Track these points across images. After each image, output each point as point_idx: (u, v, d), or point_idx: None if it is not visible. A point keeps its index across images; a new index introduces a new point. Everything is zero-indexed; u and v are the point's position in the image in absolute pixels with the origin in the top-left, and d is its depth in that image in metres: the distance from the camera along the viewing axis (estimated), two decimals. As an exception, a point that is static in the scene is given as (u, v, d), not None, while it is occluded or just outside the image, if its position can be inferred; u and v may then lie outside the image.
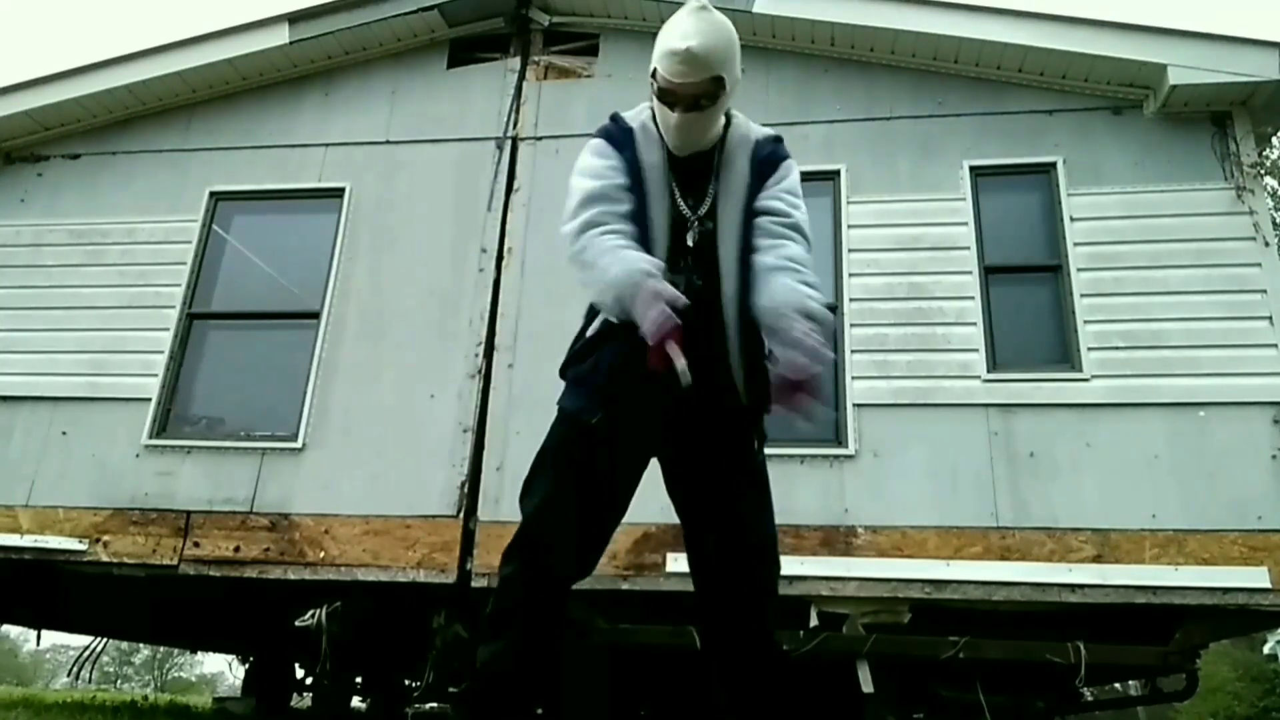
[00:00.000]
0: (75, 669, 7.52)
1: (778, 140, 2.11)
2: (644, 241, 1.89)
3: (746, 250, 1.92)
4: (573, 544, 1.94)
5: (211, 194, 5.93)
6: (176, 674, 43.25)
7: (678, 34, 1.88)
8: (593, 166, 1.98)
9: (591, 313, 1.99)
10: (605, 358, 1.91)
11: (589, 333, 1.98)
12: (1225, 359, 4.58)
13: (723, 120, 2.03)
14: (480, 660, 1.94)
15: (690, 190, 1.98)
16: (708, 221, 1.95)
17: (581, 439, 1.93)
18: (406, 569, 4.78)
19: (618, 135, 2.02)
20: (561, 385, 2.07)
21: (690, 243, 1.93)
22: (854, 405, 4.79)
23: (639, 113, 2.07)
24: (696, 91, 1.90)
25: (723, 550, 1.97)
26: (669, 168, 1.98)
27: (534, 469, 2.01)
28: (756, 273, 1.89)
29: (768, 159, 2.03)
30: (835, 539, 4.55)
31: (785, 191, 2.00)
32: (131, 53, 6.19)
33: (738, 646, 1.98)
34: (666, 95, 1.93)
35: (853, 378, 4.84)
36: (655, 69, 1.94)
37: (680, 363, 1.65)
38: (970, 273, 4.96)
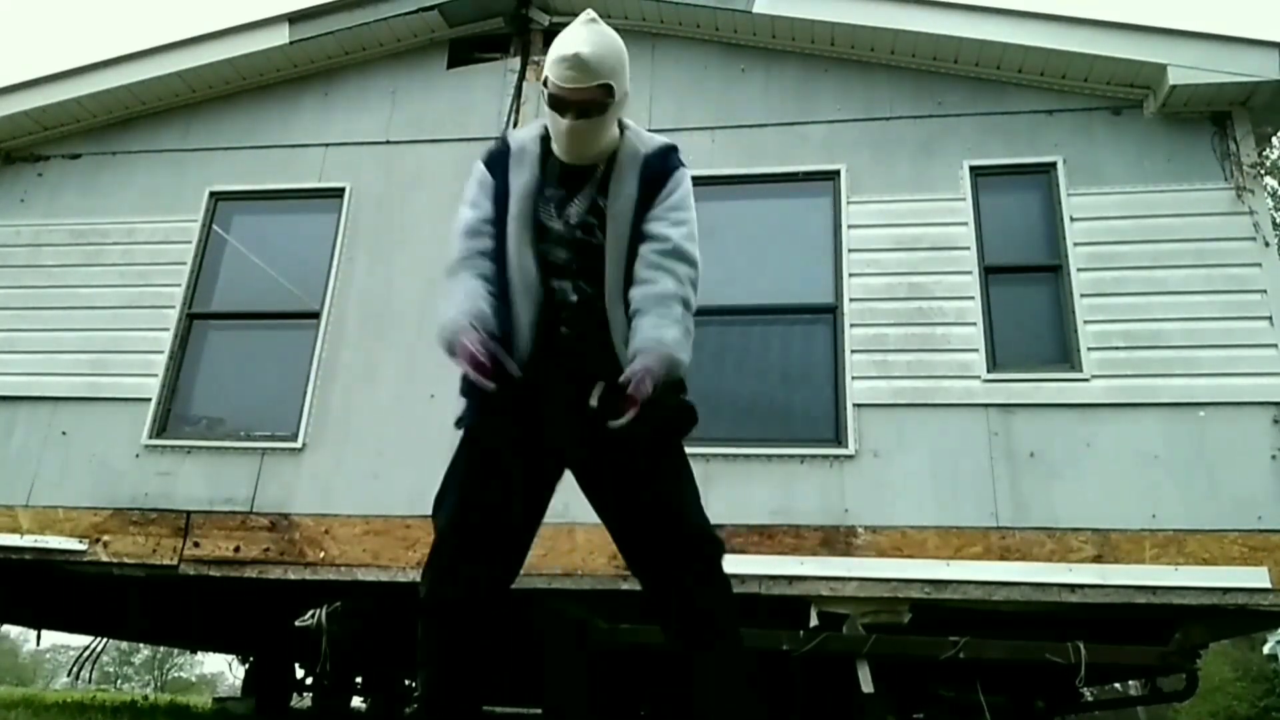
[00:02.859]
0: (75, 669, 7.53)
1: (670, 150, 2.14)
2: (502, 267, 2.02)
3: (630, 266, 2.02)
4: (480, 550, 1.99)
5: (211, 194, 5.93)
6: (176, 674, 43.25)
7: (568, 42, 1.98)
8: (469, 195, 2.14)
9: None
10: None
11: None
12: (1225, 359, 4.57)
13: (615, 132, 2.08)
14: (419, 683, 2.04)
15: (575, 199, 2.06)
16: (599, 234, 2.02)
17: (471, 448, 2.05)
18: (406, 569, 4.77)
19: (494, 159, 2.14)
20: None
21: (573, 251, 2.02)
22: (854, 405, 4.79)
23: (528, 129, 2.17)
24: (585, 98, 1.97)
25: (649, 537, 2.01)
26: (554, 180, 2.07)
27: (440, 486, 2.09)
28: (632, 306, 1.98)
29: (658, 174, 2.07)
30: (835, 539, 4.55)
31: (671, 209, 2.05)
32: (131, 53, 6.19)
33: (692, 637, 1.98)
34: (557, 102, 2.00)
35: (853, 378, 4.83)
36: (546, 77, 2.01)
37: (485, 383, 1.90)
38: (970, 273, 4.96)
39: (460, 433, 2.10)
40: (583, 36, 1.97)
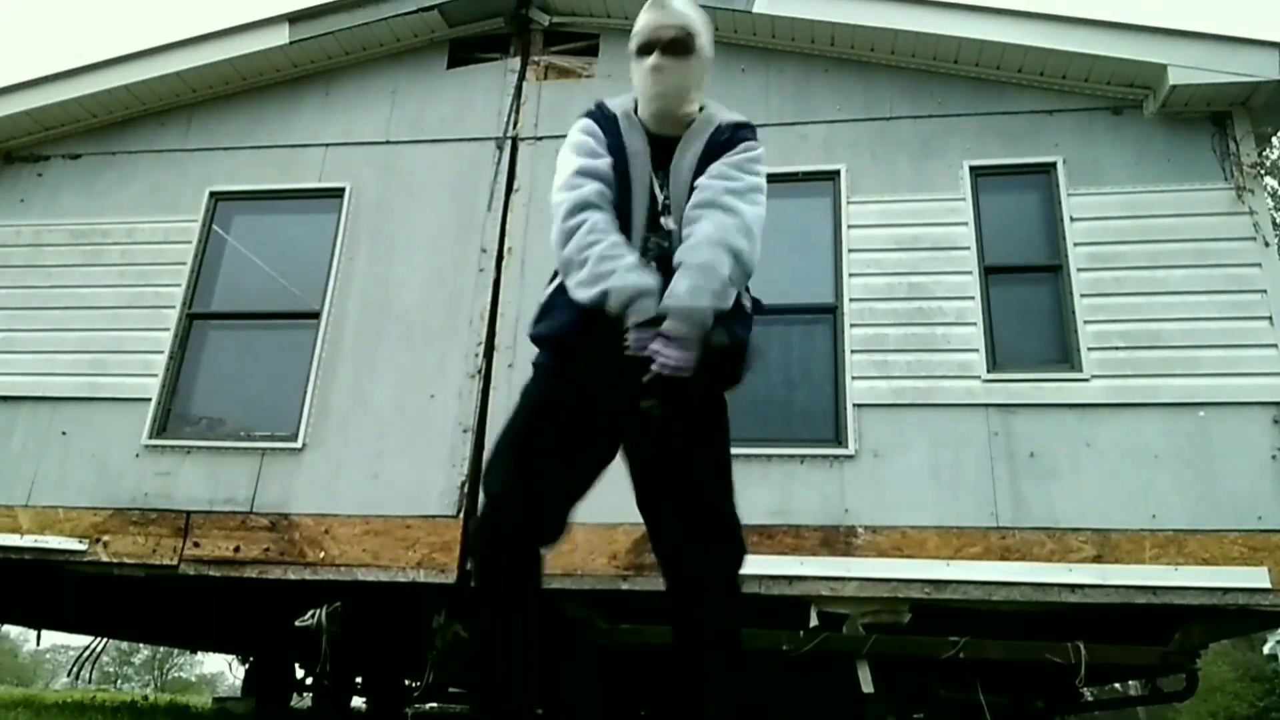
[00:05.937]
0: (75, 669, 7.52)
1: (743, 124, 2.13)
2: (624, 228, 1.98)
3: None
4: (524, 504, 2.05)
5: (211, 194, 5.93)
6: (176, 674, 43.21)
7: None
8: (584, 143, 2.08)
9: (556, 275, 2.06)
10: (568, 326, 1.97)
11: (551, 292, 2.06)
12: (1225, 359, 4.58)
13: (695, 103, 2.11)
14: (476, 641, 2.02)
15: (662, 170, 2.07)
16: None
17: (535, 413, 2.06)
18: (406, 569, 4.77)
19: (602, 121, 2.12)
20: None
21: (668, 225, 2.02)
22: (854, 405, 4.79)
23: (623, 100, 2.16)
24: (668, 36, 2.04)
25: (689, 529, 2.05)
26: (650, 154, 2.08)
27: (499, 436, 2.12)
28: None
29: (724, 141, 2.07)
30: (835, 539, 4.55)
31: (727, 166, 2.02)
32: (131, 53, 6.19)
33: (696, 631, 2.03)
34: (643, 48, 2.07)
35: (853, 378, 4.84)
36: (635, 40, 2.09)
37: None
38: (970, 273, 4.96)
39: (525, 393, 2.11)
40: None
